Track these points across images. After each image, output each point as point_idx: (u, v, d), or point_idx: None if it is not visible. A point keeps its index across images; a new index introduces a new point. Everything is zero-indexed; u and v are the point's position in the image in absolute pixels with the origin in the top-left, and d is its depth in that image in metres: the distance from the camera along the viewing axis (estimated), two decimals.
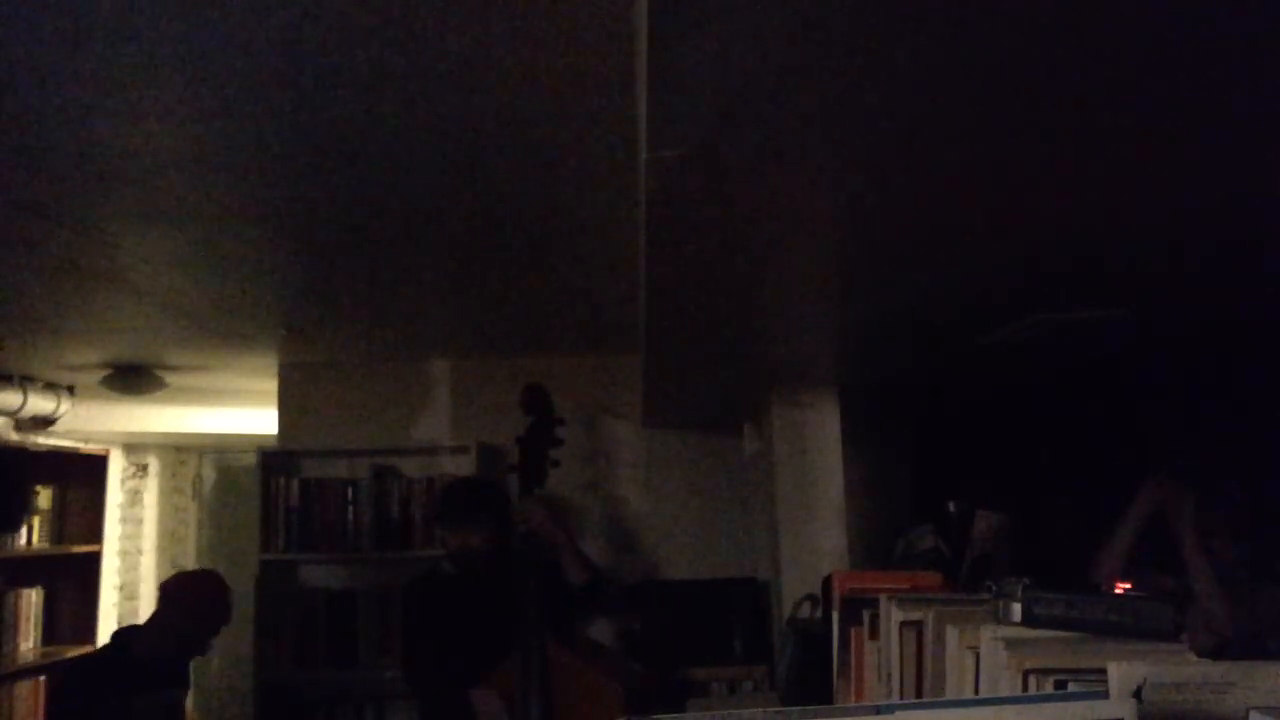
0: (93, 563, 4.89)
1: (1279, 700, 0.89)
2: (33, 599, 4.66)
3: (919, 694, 1.37)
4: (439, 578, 3.43)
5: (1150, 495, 2.82)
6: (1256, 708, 0.85)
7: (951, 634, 1.25)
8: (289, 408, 4.58)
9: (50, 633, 4.74)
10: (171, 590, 3.31)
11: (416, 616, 3.38)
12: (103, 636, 4.69)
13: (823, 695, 1.88)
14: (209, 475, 6.86)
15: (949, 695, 1.23)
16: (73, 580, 4.83)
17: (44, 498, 4.75)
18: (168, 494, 6.77)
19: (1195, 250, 1.97)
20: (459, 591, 3.33)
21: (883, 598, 1.55)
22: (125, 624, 4.03)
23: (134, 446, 6.44)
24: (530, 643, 3.01)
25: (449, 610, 3.31)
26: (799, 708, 0.88)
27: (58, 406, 4.79)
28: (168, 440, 6.41)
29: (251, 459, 4.45)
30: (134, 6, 1.45)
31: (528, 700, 2.97)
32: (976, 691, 1.15)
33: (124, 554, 6.27)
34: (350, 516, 4.32)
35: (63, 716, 3.22)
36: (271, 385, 4.64)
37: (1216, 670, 0.92)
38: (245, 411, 5.83)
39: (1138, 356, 3.20)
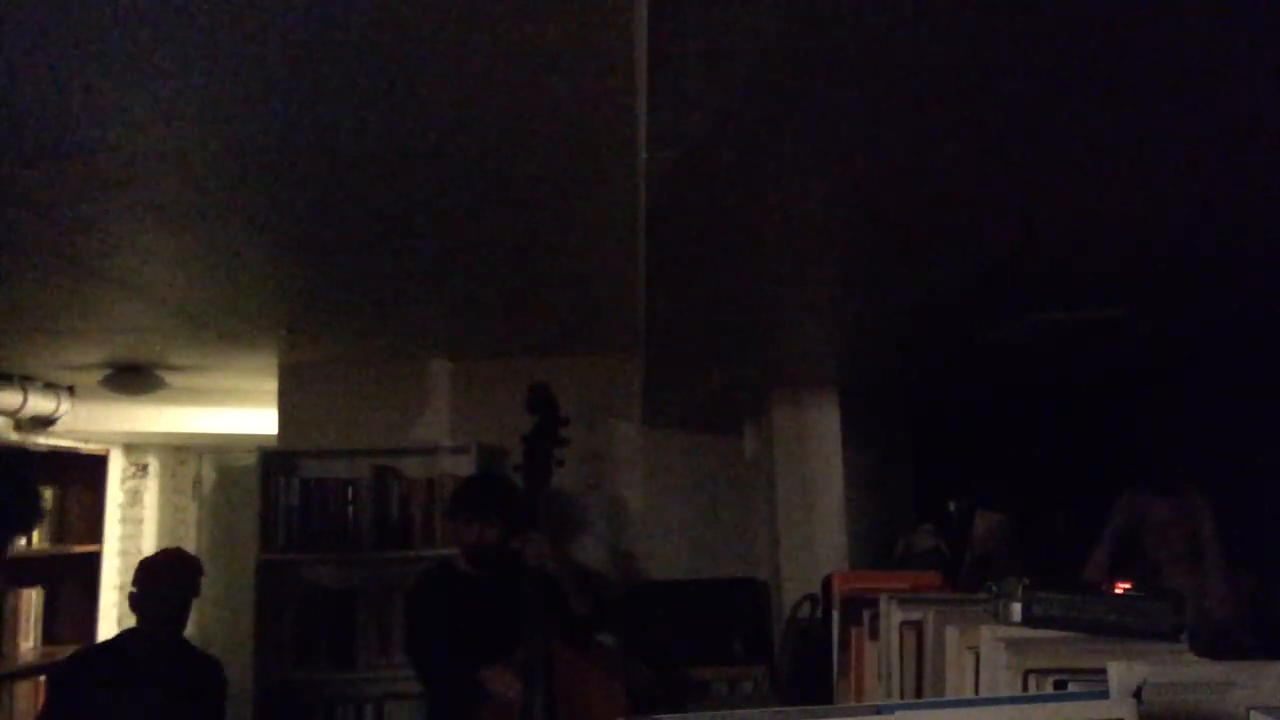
0: (93, 563, 4.88)
1: (1279, 700, 0.89)
2: (33, 599, 4.65)
3: (919, 694, 1.37)
4: (452, 573, 3.45)
5: (1126, 508, 2.89)
6: (1256, 708, 0.85)
7: (951, 634, 1.25)
8: (289, 408, 4.58)
9: (50, 633, 4.74)
10: (139, 574, 3.32)
11: (427, 609, 3.39)
12: (102, 636, 4.69)
13: (823, 695, 1.88)
14: (209, 475, 6.85)
15: (949, 695, 1.23)
16: (73, 580, 4.82)
17: (44, 498, 4.75)
18: (168, 494, 6.77)
19: (1194, 250, 1.97)
20: (470, 588, 3.35)
21: (883, 598, 1.55)
22: (125, 624, 4.03)
23: (134, 446, 6.44)
24: (535, 641, 3.02)
25: (460, 605, 3.32)
26: (799, 708, 0.88)
27: (58, 406, 4.79)
28: (168, 440, 6.40)
29: (251, 459, 4.44)
30: (135, 7, 1.45)
31: (532, 698, 2.98)
32: (976, 691, 1.15)
33: (124, 554, 6.26)
34: (350, 516, 4.32)
35: (59, 706, 3.22)
36: (271, 385, 4.64)
37: (1216, 670, 0.92)
38: (245, 411, 5.82)
39: (1136, 356, 3.20)
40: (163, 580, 3.27)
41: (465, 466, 4.26)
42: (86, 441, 5.28)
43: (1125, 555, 2.93)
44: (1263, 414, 3.04)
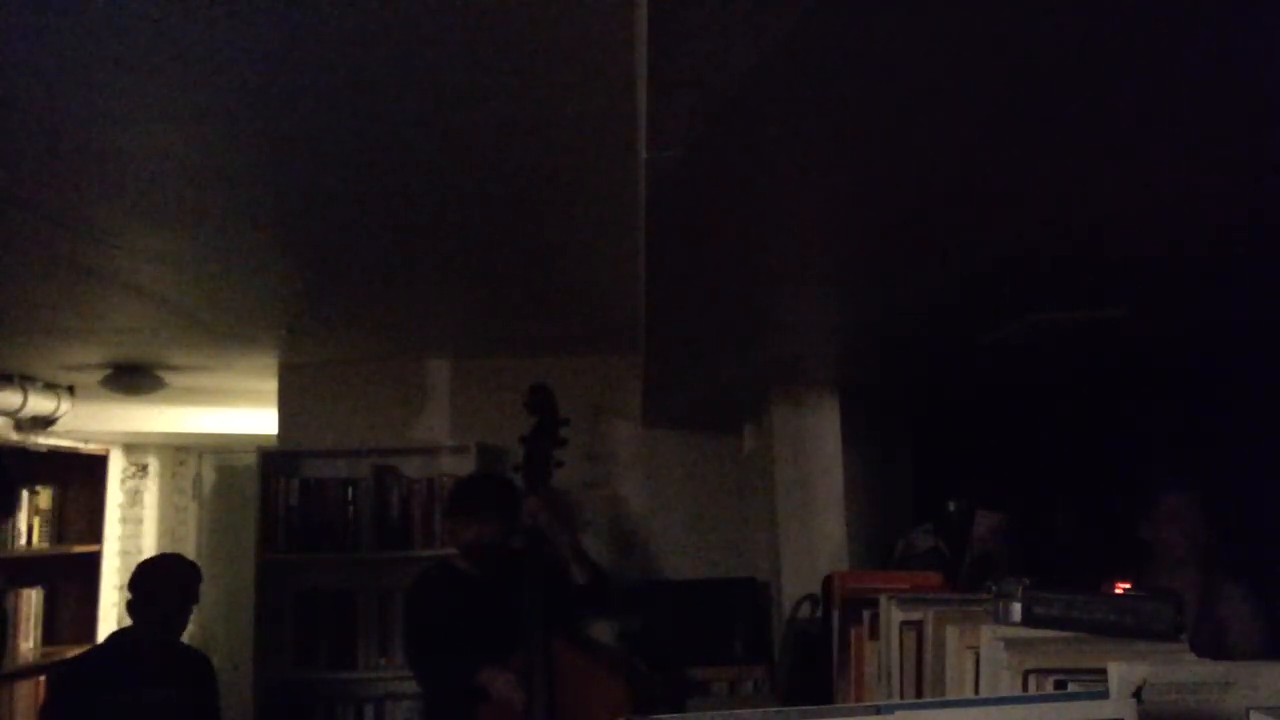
0: (93, 563, 4.88)
1: (1279, 700, 0.89)
2: (33, 599, 4.65)
3: (919, 694, 1.37)
4: (450, 572, 3.45)
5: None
6: (1256, 708, 0.85)
7: (951, 634, 1.25)
8: (289, 408, 4.58)
9: (50, 633, 4.74)
10: (136, 577, 3.30)
11: (426, 609, 3.39)
12: (103, 637, 4.69)
13: (823, 695, 1.88)
14: (209, 475, 6.86)
15: (949, 695, 1.23)
16: (73, 580, 4.82)
17: (44, 498, 4.74)
18: (168, 494, 6.77)
19: (1194, 249, 1.97)
20: (470, 587, 3.35)
21: (883, 598, 1.55)
22: (125, 624, 4.03)
23: (134, 446, 6.44)
24: (536, 640, 3.02)
25: (459, 604, 3.32)
26: (799, 708, 0.88)
27: (58, 406, 4.79)
28: (168, 440, 6.41)
29: (251, 459, 4.44)
30: (135, 8, 1.45)
31: (532, 699, 2.98)
32: (976, 691, 1.15)
33: (124, 554, 6.26)
34: (350, 516, 4.32)
35: (56, 716, 3.21)
36: (271, 385, 4.64)
37: (1216, 670, 0.92)
38: (245, 411, 5.83)
39: (1136, 356, 3.20)
40: (160, 586, 3.24)
41: (465, 466, 4.26)
42: (86, 441, 5.28)
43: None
44: (1263, 414, 3.04)
